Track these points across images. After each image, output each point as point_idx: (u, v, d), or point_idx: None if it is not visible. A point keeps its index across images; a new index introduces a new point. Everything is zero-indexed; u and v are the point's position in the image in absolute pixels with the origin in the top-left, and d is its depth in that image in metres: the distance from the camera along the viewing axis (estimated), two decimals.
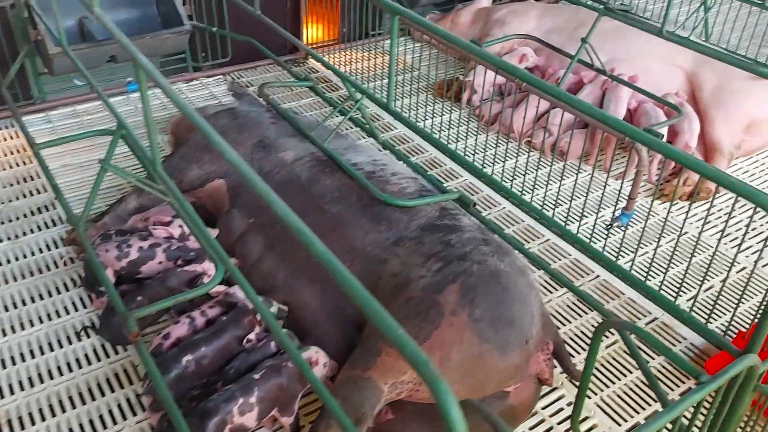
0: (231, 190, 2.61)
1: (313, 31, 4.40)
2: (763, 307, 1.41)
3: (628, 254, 2.83)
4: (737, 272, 2.82)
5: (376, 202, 2.34)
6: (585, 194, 2.84)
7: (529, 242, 2.91)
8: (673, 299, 2.56)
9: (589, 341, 2.46)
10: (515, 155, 3.40)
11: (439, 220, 2.27)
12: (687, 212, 2.44)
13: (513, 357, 1.93)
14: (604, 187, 2.66)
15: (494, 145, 3.48)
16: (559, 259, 2.83)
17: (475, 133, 3.63)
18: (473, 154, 3.42)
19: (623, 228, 2.70)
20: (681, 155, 2.02)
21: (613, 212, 2.66)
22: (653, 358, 2.43)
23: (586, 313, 2.56)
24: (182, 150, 2.74)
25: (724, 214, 3.13)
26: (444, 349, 1.88)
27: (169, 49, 3.59)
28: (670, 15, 3.08)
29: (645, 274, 2.64)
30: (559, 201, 3.08)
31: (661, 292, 2.57)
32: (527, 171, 3.24)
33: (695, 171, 1.96)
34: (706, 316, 2.48)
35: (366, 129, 2.69)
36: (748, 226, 2.15)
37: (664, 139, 3.22)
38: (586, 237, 2.84)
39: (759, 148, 3.57)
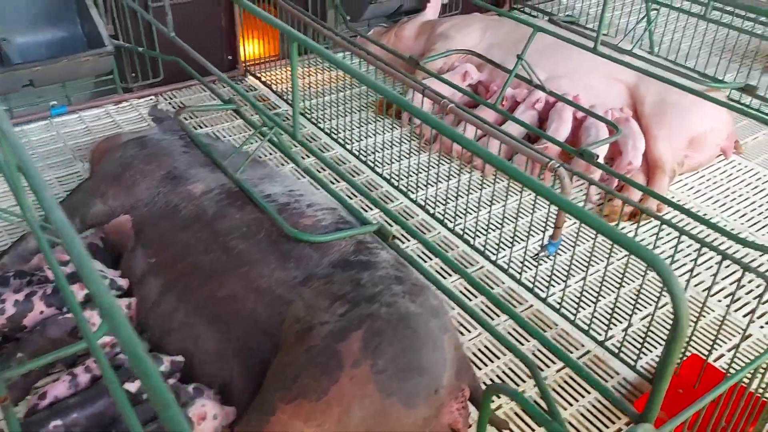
0: (136, 226, 2.45)
1: (251, 47, 4.24)
2: (659, 367, 1.29)
3: (562, 282, 2.71)
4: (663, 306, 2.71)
5: (286, 238, 2.19)
6: (515, 220, 2.72)
7: (465, 268, 2.78)
8: (604, 332, 2.45)
9: (518, 379, 2.34)
10: (456, 176, 3.27)
11: (353, 256, 2.13)
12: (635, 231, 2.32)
13: (421, 409, 1.79)
14: (532, 212, 2.54)
15: (434, 166, 3.35)
16: (494, 287, 2.70)
17: (416, 153, 3.49)
18: (413, 175, 3.29)
19: (551, 258, 2.57)
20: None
21: (542, 241, 2.53)
22: (589, 393, 2.31)
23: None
24: (86, 183, 2.58)
25: (669, 235, 3.03)
26: (344, 405, 1.74)
27: (90, 71, 3.42)
28: (615, 27, 2.98)
29: (577, 303, 2.52)
30: (491, 226, 2.96)
31: (593, 324, 2.46)
32: (457, 194, 3.12)
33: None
34: (638, 350, 2.37)
35: (287, 154, 2.55)
36: (672, 256, 2.04)
37: (601, 159, 3.11)
38: (519, 264, 2.72)
39: (703, 163, 3.48)
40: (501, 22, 4.27)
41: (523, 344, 2.44)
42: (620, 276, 2.54)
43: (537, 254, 2.51)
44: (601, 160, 3.11)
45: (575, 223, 2.98)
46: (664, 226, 2.44)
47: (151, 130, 2.97)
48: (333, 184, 3.25)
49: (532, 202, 2.73)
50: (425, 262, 2.81)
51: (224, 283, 2.16)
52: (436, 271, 2.76)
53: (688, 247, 2.97)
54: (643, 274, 2.40)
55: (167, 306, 2.20)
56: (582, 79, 3.60)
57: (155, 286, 2.27)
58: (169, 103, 3.87)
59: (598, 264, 2.81)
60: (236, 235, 2.27)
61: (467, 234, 2.91)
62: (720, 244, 2.89)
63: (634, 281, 2.75)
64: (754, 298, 2.69)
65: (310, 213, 2.32)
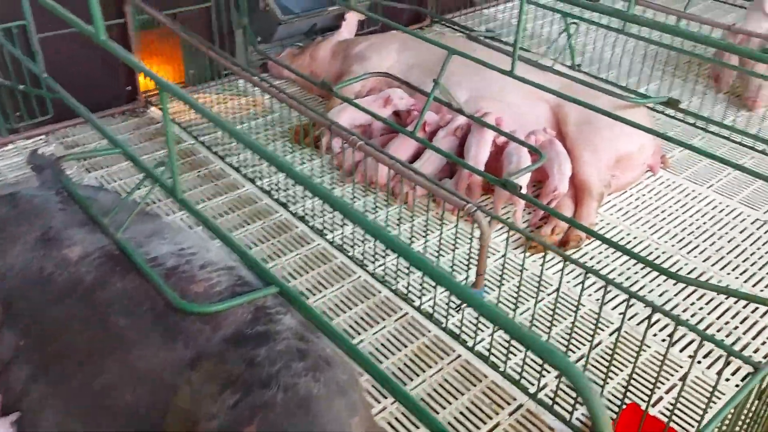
0: (4, 300, 2.13)
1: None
2: None
3: (489, 326, 2.52)
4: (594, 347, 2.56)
5: (174, 310, 1.91)
6: (437, 258, 2.52)
7: (385, 318, 2.56)
8: (536, 380, 2.27)
9: None
10: (375, 211, 3.06)
11: (250, 327, 1.88)
12: (562, 270, 2.15)
13: None
14: (454, 249, 2.35)
15: (356, 198, 3.13)
16: (418, 338, 2.48)
17: (338, 185, 3.26)
18: (331, 212, 3.04)
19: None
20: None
21: (465, 282, 2.33)
22: None
23: (438, 413, 2.22)
24: None
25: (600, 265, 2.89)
26: None
27: None
28: (538, 36, 2.82)
29: (507, 350, 2.33)
30: (412, 267, 2.75)
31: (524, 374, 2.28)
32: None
33: None
34: (574, 399, 2.19)
35: (180, 202, 2.25)
36: (602, 301, 1.87)
37: (524, 189, 2.95)
38: (444, 309, 2.52)
39: (631, 182, 3.37)
40: (419, 40, 4.08)
41: (445, 407, 2.23)
42: (550, 316, 2.37)
43: (459, 305, 2.32)
44: (524, 189, 2.95)
45: (499, 259, 2.81)
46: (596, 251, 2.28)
47: (29, 180, 2.64)
48: (245, 226, 3.00)
49: (453, 239, 2.52)
50: (344, 312, 2.58)
51: (102, 368, 1.87)
52: (357, 321, 2.53)
53: (620, 274, 2.83)
54: (574, 310, 2.23)
55: (35, 398, 1.90)
56: (505, 99, 3.44)
57: (23, 373, 1.96)
58: (61, 143, 3.52)
59: (527, 302, 2.64)
60: (117, 308, 1.98)
61: (389, 277, 2.69)
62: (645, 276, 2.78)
63: (566, 319, 2.58)
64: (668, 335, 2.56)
65: (202, 276, 2.05)
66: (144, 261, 2.05)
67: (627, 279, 2.81)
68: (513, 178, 2.64)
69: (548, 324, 2.43)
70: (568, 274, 2.82)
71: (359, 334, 2.48)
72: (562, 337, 2.49)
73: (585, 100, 3.35)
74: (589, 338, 2.48)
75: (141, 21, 3.65)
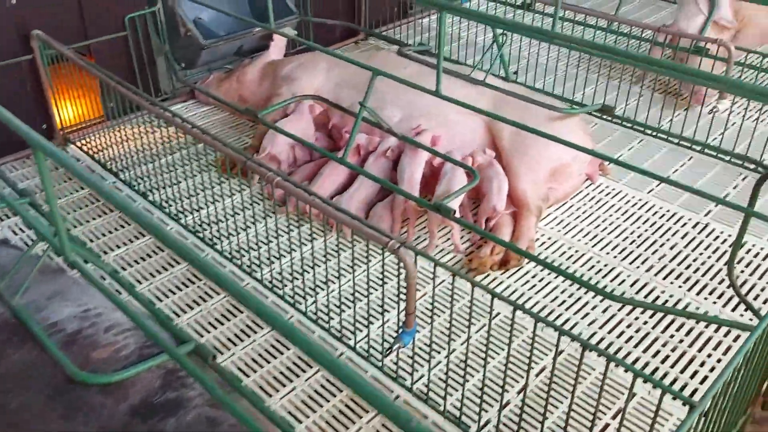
0: None
1: (71, 111, 3.71)
2: None
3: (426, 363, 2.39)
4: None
5: (74, 382, 1.75)
6: (366, 295, 2.39)
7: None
8: (477, 416, 2.15)
9: None
10: (307, 242, 2.92)
11: (159, 395, 1.72)
12: (491, 305, 2.04)
13: None
14: (383, 285, 2.22)
15: (283, 232, 2.98)
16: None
17: (270, 215, 3.11)
18: (261, 247, 2.88)
19: (409, 347, 2.26)
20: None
21: (398, 329, 2.20)
22: None
23: None
24: None
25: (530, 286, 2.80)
26: None
27: None
28: (473, 45, 2.72)
29: (444, 389, 2.22)
30: (344, 303, 2.62)
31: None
32: (314, 264, 2.76)
33: None
34: None
35: (72, 264, 2.03)
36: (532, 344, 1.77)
37: (457, 212, 2.85)
38: (380, 347, 2.39)
39: (570, 192, 3.30)
40: (352, 56, 3.97)
41: None
42: (484, 350, 2.26)
43: (390, 347, 2.19)
44: (458, 212, 2.85)
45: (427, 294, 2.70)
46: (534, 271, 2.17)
47: None
48: (169, 268, 2.83)
49: (381, 275, 2.40)
50: (276, 357, 2.43)
51: None
52: (294, 363, 2.39)
53: (564, 293, 2.75)
54: (507, 343, 2.13)
55: None
56: (439, 115, 3.33)
57: None
58: None
59: (460, 337, 2.52)
60: (12, 384, 1.79)
61: (321, 315, 2.55)
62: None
63: (501, 352, 2.47)
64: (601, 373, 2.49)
65: (108, 340, 1.88)
66: (41, 328, 1.87)
67: (570, 296, 2.73)
68: (446, 201, 2.54)
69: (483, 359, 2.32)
70: (509, 295, 2.73)
71: (291, 382, 2.34)
72: (496, 374, 2.38)
73: (518, 112, 3.32)
74: (527, 373, 2.38)
75: (53, 55, 3.44)
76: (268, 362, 2.41)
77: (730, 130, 3.70)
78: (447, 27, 5.09)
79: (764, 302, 2.70)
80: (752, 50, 3.51)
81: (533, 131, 2.52)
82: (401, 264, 2.02)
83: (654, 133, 3.74)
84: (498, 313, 2.62)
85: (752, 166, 3.44)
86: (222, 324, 2.57)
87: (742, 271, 2.85)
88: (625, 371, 2.32)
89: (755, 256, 2.93)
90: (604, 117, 3.88)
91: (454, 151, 3.20)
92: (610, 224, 3.15)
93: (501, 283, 2.79)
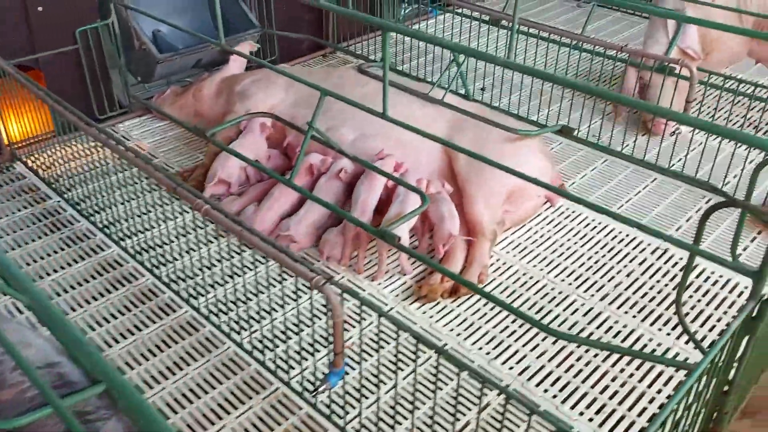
0: None
1: (20, 126, 3.60)
2: None
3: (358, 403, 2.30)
4: None
5: None
6: (297, 332, 2.29)
7: (252, 398, 2.31)
8: None
9: None
10: (251, 269, 2.81)
11: None
12: (416, 352, 1.94)
13: None
14: (312, 322, 2.12)
15: (224, 258, 2.87)
16: (287, 416, 2.25)
17: (213, 242, 3.00)
18: (202, 271, 2.78)
19: (335, 387, 2.16)
20: None
21: (329, 369, 2.10)
22: None
23: None
24: None
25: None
26: None
27: None
28: (440, 61, 2.63)
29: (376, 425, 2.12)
30: (277, 337, 2.52)
31: None
32: (256, 291, 2.65)
33: None
34: None
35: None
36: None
37: (404, 239, 2.76)
38: (312, 384, 2.29)
39: (528, 216, 3.22)
40: (308, 74, 3.88)
41: None
42: (433, 382, 2.17)
43: (316, 389, 2.09)
44: (405, 240, 2.75)
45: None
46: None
47: None
48: (106, 294, 2.71)
49: (310, 310, 2.30)
50: (208, 392, 2.32)
51: None
52: (225, 399, 2.28)
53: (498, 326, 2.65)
54: (456, 375, 2.03)
55: None
56: (394, 135, 3.24)
57: None
58: None
59: (391, 380, 2.41)
60: None
61: (256, 349, 2.44)
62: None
63: (448, 383, 2.37)
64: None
65: (13, 380, 1.75)
66: None
67: (520, 326, 2.63)
68: (393, 226, 2.45)
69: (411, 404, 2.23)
70: (459, 325, 2.64)
71: (225, 416, 2.24)
72: (425, 421, 2.29)
73: (476, 133, 3.24)
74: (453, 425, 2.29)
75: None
76: (199, 398, 2.30)
77: (694, 151, 3.64)
78: (416, 45, 5.02)
79: (720, 332, 2.62)
80: (713, 71, 3.44)
81: (484, 160, 2.41)
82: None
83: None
84: (428, 358, 2.51)
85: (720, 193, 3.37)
86: (155, 356, 2.46)
87: (699, 300, 2.77)
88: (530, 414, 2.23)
89: (713, 284, 2.85)
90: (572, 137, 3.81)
91: (409, 173, 3.11)
92: (567, 249, 3.06)
93: (451, 312, 2.70)
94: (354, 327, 2.55)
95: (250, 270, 2.79)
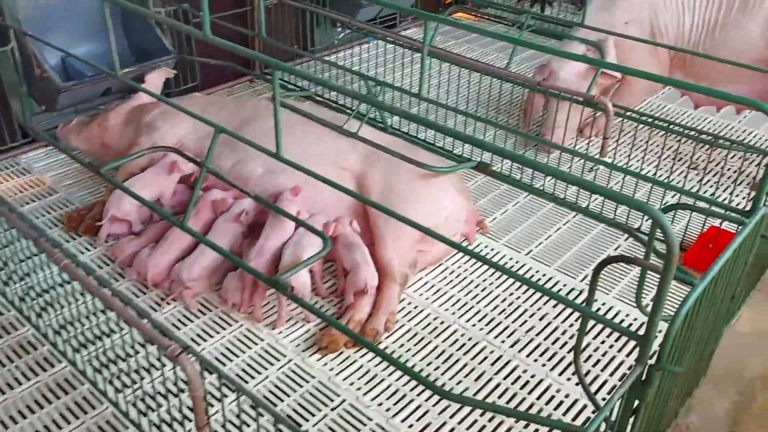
0: None
1: None
2: None
3: None
4: None
5: None
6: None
7: None
8: None
9: None
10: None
11: None
12: None
13: None
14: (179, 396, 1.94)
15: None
16: None
17: (114, 279, 2.81)
18: (81, 324, 2.57)
19: None
20: None
21: None
22: None
23: None
24: None
25: None
26: None
27: None
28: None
29: None
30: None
31: None
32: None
33: None
34: None
35: None
36: None
37: (304, 285, 2.61)
38: None
39: (443, 255, 3.10)
40: (223, 102, 3.71)
41: None
42: None
43: None
44: (304, 286, 2.60)
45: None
46: None
47: None
48: None
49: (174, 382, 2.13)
50: None
51: None
52: None
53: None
54: None
55: None
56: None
57: None
58: None
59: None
60: None
61: (132, 411, 2.25)
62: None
63: None
64: None
65: None
66: None
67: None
68: (289, 273, 2.29)
69: None
70: (360, 378, 2.49)
71: None
72: None
73: (389, 169, 3.12)
74: None
75: None
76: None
77: (616, 184, 3.59)
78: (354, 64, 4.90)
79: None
80: (628, 108, 3.39)
81: (391, 213, 2.28)
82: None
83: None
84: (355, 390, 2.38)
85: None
86: (34, 413, 2.25)
87: (611, 346, 2.69)
88: None
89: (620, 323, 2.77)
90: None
91: (319, 210, 2.97)
92: (482, 290, 2.95)
93: (353, 363, 2.56)
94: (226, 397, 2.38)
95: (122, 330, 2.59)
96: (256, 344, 2.62)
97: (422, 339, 2.69)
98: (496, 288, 2.97)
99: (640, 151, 3.94)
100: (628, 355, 2.64)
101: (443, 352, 2.63)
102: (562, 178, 1.70)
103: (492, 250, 3.22)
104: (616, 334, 2.73)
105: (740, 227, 2.09)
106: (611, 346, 2.69)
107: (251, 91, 4.67)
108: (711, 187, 3.70)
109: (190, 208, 2.62)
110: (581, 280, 3.03)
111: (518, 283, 2.99)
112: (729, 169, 3.84)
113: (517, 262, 3.13)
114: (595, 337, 2.72)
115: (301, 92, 4.04)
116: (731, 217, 2.60)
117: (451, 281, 3.01)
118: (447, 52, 3.58)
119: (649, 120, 3.33)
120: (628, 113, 3.41)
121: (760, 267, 2.86)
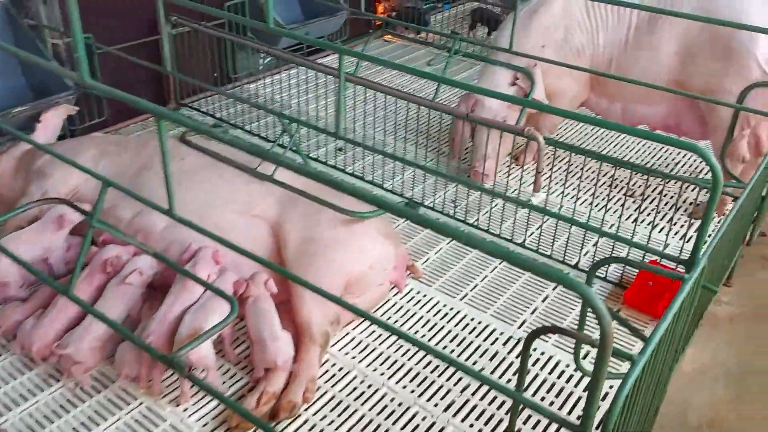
0: None
1: None
2: None
3: None
4: None
5: None
6: None
7: None
8: None
9: None
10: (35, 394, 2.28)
11: None
12: None
13: None
14: None
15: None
16: None
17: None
18: None
19: None
20: None
21: None
22: None
23: None
24: None
25: None
26: None
27: None
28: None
29: None
30: None
31: None
32: None
33: None
34: None
35: None
36: None
37: (207, 356, 2.31)
38: None
39: (371, 307, 2.84)
40: (125, 143, 3.38)
41: None
42: None
43: None
44: (208, 358, 2.30)
45: None
46: None
47: None
48: None
49: None
50: None
51: None
52: None
53: None
54: None
55: None
56: (212, 219, 2.79)
57: None
58: None
59: None
60: None
61: None
62: None
63: None
64: None
65: None
66: None
67: None
68: (188, 348, 2.00)
69: None
70: None
71: None
72: None
73: (308, 214, 2.86)
74: None
75: None
76: None
77: (548, 222, 3.41)
78: (275, 92, 4.63)
79: None
80: (563, 144, 3.21)
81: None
82: None
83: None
84: None
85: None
86: None
87: (552, 403, 2.48)
88: None
89: (559, 376, 2.58)
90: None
91: (229, 267, 2.67)
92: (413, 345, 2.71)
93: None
94: None
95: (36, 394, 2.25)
96: (158, 426, 2.30)
97: (347, 408, 2.42)
98: (429, 340, 2.74)
99: (575, 178, 3.79)
100: (570, 413, 2.44)
101: (371, 421, 2.37)
102: (489, 252, 1.47)
103: (425, 296, 2.98)
104: (556, 389, 2.53)
105: (684, 275, 1.92)
106: (551, 404, 2.48)
107: (136, 135, 4.28)
108: (649, 215, 3.57)
109: (77, 269, 2.29)
110: (519, 327, 2.83)
111: (452, 334, 2.77)
112: (666, 195, 3.73)
113: (451, 309, 2.91)
114: (534, 393, 2.51)
115: (205, 130, 3.71)
116: (671, 274, 2.42)
117: (379, 336, 2.75)
118: (366, 80, 3.34)
119: (583, 149, 3.17)
120: (560, 142, 3.24)
121: (700, 312, 2.72)
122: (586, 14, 3.55)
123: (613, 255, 3.17)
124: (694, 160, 4.17)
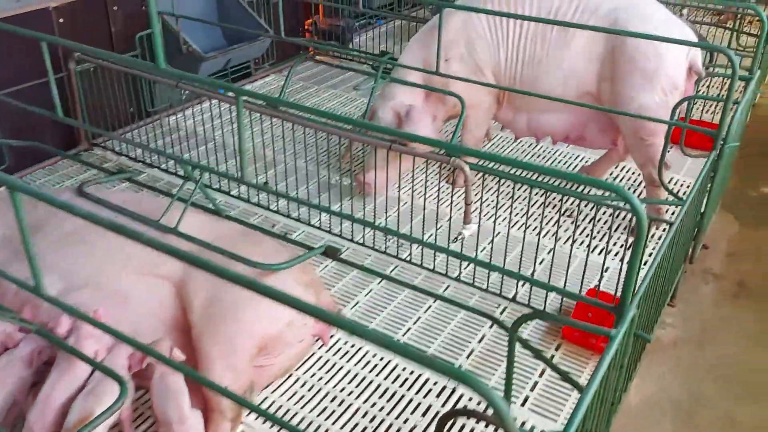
0: None
1: None
2: None
3: None
4: None
5: None
6: None
7: None
8: None
9: None
10: None
11: None
12: None
13: None
14: None
15: None
16: None
17: None
18: None
19: None
20: None
21: None
22: None
23: None
24: None
25: None
26: None
27: None
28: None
29: None
30: None
31: None
32: None
33: None
34: None
35: None
36: None
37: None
38: None
39: (292, 365, 2.61)
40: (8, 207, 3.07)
41: None
42: None
43: None
44: None
45: None
46: None
47: None
48: None
49: None
50: None
51: None
52: None
53: None
54: None
55: None
56: (112, 286, 2.53)
57: None
58: None
59: None
60: None
61: None
62: None
63: None
64: None
65: None
66: None
67: None
68: None
69: None
70: None
71: None
72: None
73: (221, 266, 2.61)
74: None
75: None
76: None
77: (483, 252, 3.23)
78: (189, 126, 4.35)
79: None
80: (491, 170, 3.04)
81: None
82: None
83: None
84: None
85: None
86: None
87: None
88: None
89: None
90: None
91: (119, 343, 2.38)
92: (339, 404, 2.48)
93: None
94: None
95: None
96: None
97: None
98: (356, 399, 2.51)
99: (507, 198, 3.61)
100: None
101: None
102: (381, 344, 1.25)
103: (353, 346, 2.76)
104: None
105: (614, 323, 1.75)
106: None
107: (76, 168, 4.00)
108: (587, 237, 3.42)
109: None
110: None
111: (381, 392, 2.55)
112: (606, 213, 3.60)
113: (381, 359, 2.69)
114: None
115: (118, 175, 3.44)
116: (606, 306, 2.26)
117: (302, 397, 2.52)
118: (264, 110, 3.12)
119: (512, 175, 3.00)
120: (488, 168, 3.07)
121: (642, 345, 2.56)
122: (488, 27, 3.42)
123: (549, 283, 2.98)
124: (633, 173, 4.06)
